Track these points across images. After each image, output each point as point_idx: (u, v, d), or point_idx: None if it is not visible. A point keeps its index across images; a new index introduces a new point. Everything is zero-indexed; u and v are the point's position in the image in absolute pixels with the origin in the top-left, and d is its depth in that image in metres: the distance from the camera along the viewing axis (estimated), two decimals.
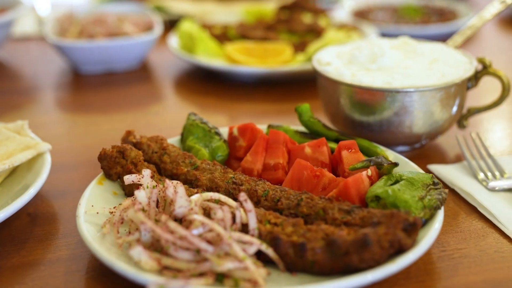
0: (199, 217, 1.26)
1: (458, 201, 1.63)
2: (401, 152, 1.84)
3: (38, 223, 1.55)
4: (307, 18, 3.02)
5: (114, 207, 1.43)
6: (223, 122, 2.22)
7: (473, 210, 1.58)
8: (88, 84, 2.64)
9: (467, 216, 1.56)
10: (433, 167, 1.77)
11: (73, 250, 1.44)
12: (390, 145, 1.80)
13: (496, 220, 1.51)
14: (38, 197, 1.66)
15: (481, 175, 1.69)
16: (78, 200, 1.48)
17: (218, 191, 1.47)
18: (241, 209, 1.32)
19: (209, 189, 1.49)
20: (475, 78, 1.84)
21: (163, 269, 1.22)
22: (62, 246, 1.46)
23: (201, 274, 1.21)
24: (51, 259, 1.41)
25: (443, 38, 2.63)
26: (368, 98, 1.74)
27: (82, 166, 1.89)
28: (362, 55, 1.83)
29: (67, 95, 2.58)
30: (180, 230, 1.23)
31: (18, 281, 1.33)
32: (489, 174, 1.69)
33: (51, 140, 1.73)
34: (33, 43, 3.29)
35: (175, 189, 1.32)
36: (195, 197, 1.34)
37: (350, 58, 1.87)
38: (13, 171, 1.67)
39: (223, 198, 1.36)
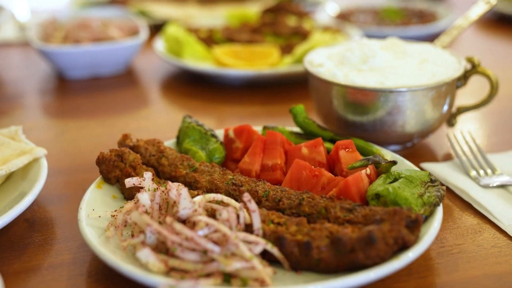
0: (204, 218, 1.27)
1: (451, 198, 1.66)
2: (393, 151, 1.86)
3: (36, 228, 1.54)
4: (291, 21, 3.05)
5: (115, 210, 1.43)
6: (211, 125, 2.20)
7: (467, 206, 1.61)
8: (75, 89, 2.62)
9: (462, 213, 1.59)
10: (426, 165, 1.79)
11: (74, 254, 1.43)
12: (382, 144, 1.82)
13: (491, 216, 1.54)
14: (34, 202, 1.64)
15: (473, 173, 1.72)
16: (75, 205, 1.47)
17: (218, 193, 1.48)
18: (244, 210, 1.33)
19: (209, 191, 1.49)
20: (464, 77, 1.88)
21: (170, 271, 1.23)
22: (63, 250, 1.45)
23: (208, 275, 1.21)
24: (53, 263, 1.40)
25: (424, 39, 2.68)
26: (362, 98, 1.76)
27: (76, 171, 1.88)
28: (354, 56, 1.86)
29: (53, 100, 2.56)
30: (186, 231, 1.23)
31: (21, 286, 1.33)
32: (481, 171, 1.72)
33: (42, 146, 1.71)
34: (14, 49, 3.26)
35: (178, 191, 1.33)
36: (198, 198, 1.35)
37: (341, 59, 1.89)
38: (8, 178, 1.65)
39: (226, 199, 1.37)
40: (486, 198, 1.60)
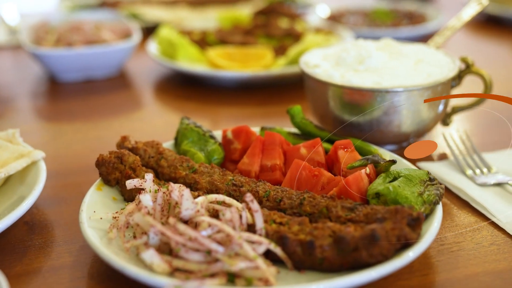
0: (207, 219, 1.27)
1: (449, 196, 1.67)
2: (389, 151, 1.87)
3: (36, 231, 1.54)
4: (283, 23, 3.06)
5: (116, 212, 1.43)
6: (206, 127, 2.19)
7: (464, 204, 1.63)
8: (68, 92, 2.62)
9: (459, 211, 1.60)
10: (423, 165, 1.81)
11: (75, 257, 1.43)
12: (379, 144, 1.83)
13: (489, 214, 1.55)
14: (33, 205, 1.63)
15: (469, 172, 1.74)
16: (73, 207, 1.47)
17: (218, 194, 1.48)
18: (246, 210, 1.33)
19: (209, 192, 1.50)
20: (458, 77, 1.90)
21: (174, 271, 1.23)
22: (64, 253, 1.45)
23: (213, 275, 1.21)
24: (54, 266, 1.40)
25: (414, 40, 2.69)
26: (358, 98, 1.77)
27: (72, 174, 1.88)
28: (350, 57, 1.87)
29: (46, 104, 2.55)
30: (190, 232, 1.23)
31: None
32: (477, 170, 1.74)
33: (38, 149, 1.70)
34: (4, 52, 3.24)
35: (180, 192, 1.33)
36: (200, 199, 1.35)
37: (337, 60, 1.90)
38: (6, 181, 1.65)
39: (228, 199, 1.38)
40: (484, 197, 1.61)
